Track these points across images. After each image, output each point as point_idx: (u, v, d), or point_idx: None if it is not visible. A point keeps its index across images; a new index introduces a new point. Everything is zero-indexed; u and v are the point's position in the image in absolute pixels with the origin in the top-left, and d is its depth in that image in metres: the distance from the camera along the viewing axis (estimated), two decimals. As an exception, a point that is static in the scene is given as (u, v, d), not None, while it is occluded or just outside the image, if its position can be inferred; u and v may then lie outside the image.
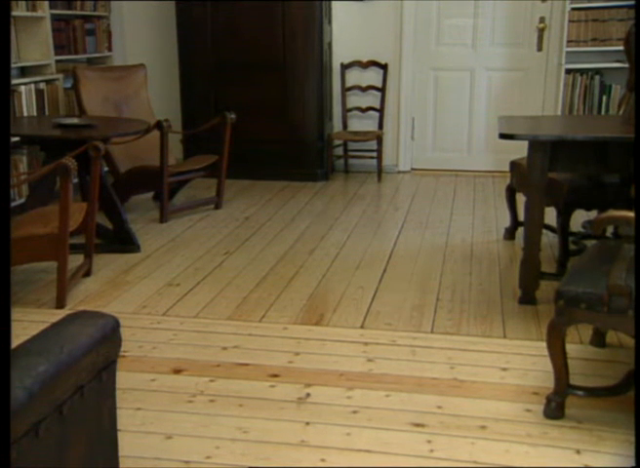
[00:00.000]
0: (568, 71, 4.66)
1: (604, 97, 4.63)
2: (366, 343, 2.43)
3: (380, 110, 5.10)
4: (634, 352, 1.76)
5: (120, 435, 1.41)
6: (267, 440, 1.85)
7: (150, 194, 4.46)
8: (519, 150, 3.24)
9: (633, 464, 1.69)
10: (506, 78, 5.01)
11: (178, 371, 2.24)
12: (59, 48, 4.57)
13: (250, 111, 4.84)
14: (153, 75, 5.03)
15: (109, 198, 3.44)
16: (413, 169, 5.30)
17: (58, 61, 4.50)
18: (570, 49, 4.62)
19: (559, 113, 4.71)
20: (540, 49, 4.89)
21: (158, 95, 5.16)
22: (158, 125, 3.73)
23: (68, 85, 4.54)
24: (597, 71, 4.66)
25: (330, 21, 5.03)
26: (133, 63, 4.66)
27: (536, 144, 2.54)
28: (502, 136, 2.53)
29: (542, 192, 2.61)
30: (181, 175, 4.06)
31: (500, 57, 4.99)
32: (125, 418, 1.92)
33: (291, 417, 1.96)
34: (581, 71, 4.66)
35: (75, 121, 3.61)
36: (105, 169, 4.04)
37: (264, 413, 1.98)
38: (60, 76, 4.48)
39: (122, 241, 3.47)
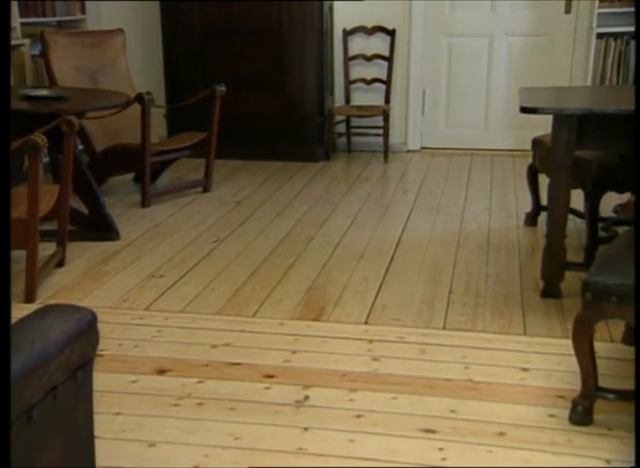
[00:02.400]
0: (600, 36, 4.63)
1: None
2: (371, 340, 2.43)
3: (387, 82, 5.07)
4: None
5: (97, 442, 1.41)
6: (261, 447, 1.86)
7: (130, 175, 4.45)
8: (543, 126, 3.23)
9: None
10: (529, 44, 4.98)
11: (162, 372, 2.24)
12: (24, 9, 4.53)
13: (242, 83, 4.82)
14: (133, 42, 5.00)
15: (84, 179, 3.43)
16: (423, 148, 5.29)
17: (23, 25, 4.46)
18: (602, 10, 4.59)
19: (589, 83, 4.69)
20: (568, 11, 4.86)
21: (138, 64, 5.13)
22: (139, 98, 3.72)
23: (36, 52, 4.50)
24: (633, 35, 4.62)
25: (331, -18, 5.00)
26: (109, 28, 4.63)
27: (561, 119, 2.52)
28: (524, 109, 2.52)
29: (569, 172, 2.60)
30: (165, 154, 4.06)
31: (522, 20, 4.96)
32: (103, 424, 1.93)
33: (287, 422, 1.97)
34: (615, 35, 4.63)
35: (45, 92, 3.59)
36: (80, 147, 4.02)
37: (258, 418, 1.99)
38: (27, 41, 4.45)
39: (99, 227, 3.47)
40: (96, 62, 4.28)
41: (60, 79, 4.09)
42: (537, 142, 3.39)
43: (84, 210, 3.52)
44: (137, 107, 3.74)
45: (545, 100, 2.76)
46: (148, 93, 3.76)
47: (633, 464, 1.73)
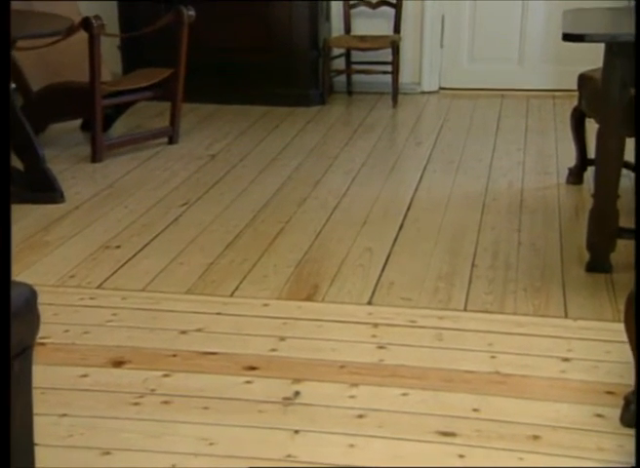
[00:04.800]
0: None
1: None
2: (375, 325, 2.44)
3: (397, 6, 5.04)
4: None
5: (38, 450, 1.42)
6: (241, 454, 1.87)
7: (77, 122, 4.43)
8: (592, 59, 3.20)
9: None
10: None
11: (118, 364, 2.25)
12: None
13: (215, 6, 4.76)
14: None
15: (18, 126, 3.41)
16: (441, 88, 5.29)
17: None
18: None
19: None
20: None
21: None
22: (85, 23, 3.68)
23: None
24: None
25: None
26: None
27: (616, 48, 2.51)
28: (568, 36, 2.51)
29: (623, 116, 2.59)
30: (121, 95, 4.05)
31: None
32: (45, 427, 1.93)
33: (274, 424, 1.98)
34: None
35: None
36: (12, 85, 3.98)
37: (238, 419, 2.00)
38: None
39: (38, 187, 3.46)
40: (30, -22, 4.21)
41: (-14, 0, 4.02)
42: (584, 79, 3.37)
43: (18, 165, 3.50)
44: (83, 36, 3.70)
45: (596, 25, 2.75)
46: (97, 17, 3.72)
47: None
